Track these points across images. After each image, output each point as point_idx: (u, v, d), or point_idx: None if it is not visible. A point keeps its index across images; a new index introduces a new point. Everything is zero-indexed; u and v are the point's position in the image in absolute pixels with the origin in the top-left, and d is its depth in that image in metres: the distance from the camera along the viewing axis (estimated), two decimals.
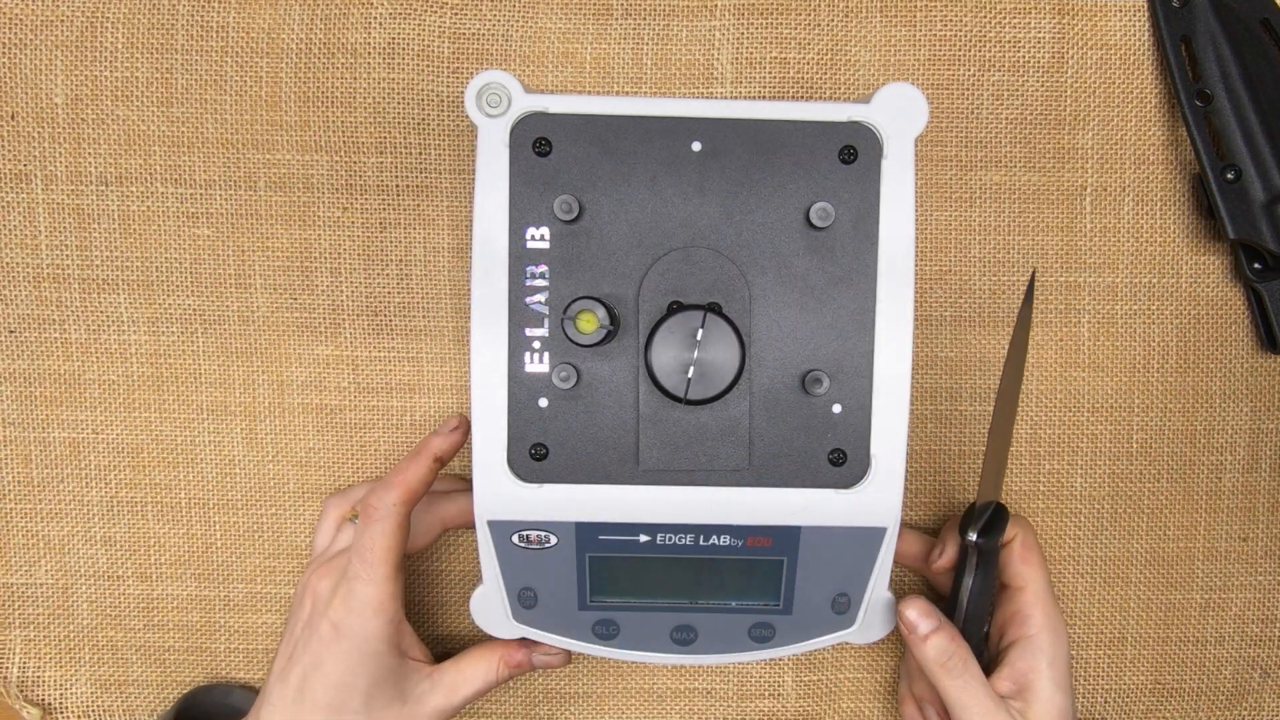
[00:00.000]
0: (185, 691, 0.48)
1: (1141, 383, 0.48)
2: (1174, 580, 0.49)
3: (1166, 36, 0.46)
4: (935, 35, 0.47)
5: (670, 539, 0.42)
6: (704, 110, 0.39)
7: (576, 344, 0.39)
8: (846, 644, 0.45)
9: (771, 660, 0.49)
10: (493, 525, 0.41)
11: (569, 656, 0.46)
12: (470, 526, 0.44)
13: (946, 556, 0.45)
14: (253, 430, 0.47)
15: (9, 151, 0.46)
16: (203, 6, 0.46)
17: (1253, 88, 0.46)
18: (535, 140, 0.39)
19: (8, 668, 0.48)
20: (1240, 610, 0.49)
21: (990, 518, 0.42)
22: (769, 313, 0.40)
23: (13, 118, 0.46)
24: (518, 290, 0.40)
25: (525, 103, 0.39)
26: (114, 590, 0.48)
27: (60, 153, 0.46)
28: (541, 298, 0.40)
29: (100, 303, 0.47)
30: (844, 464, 0.41)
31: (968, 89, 0.47)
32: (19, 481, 0.47)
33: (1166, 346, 0.48)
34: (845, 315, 0.40)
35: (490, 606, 0.43)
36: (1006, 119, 0.47)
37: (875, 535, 0.42)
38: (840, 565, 0.42)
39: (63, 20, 0.46)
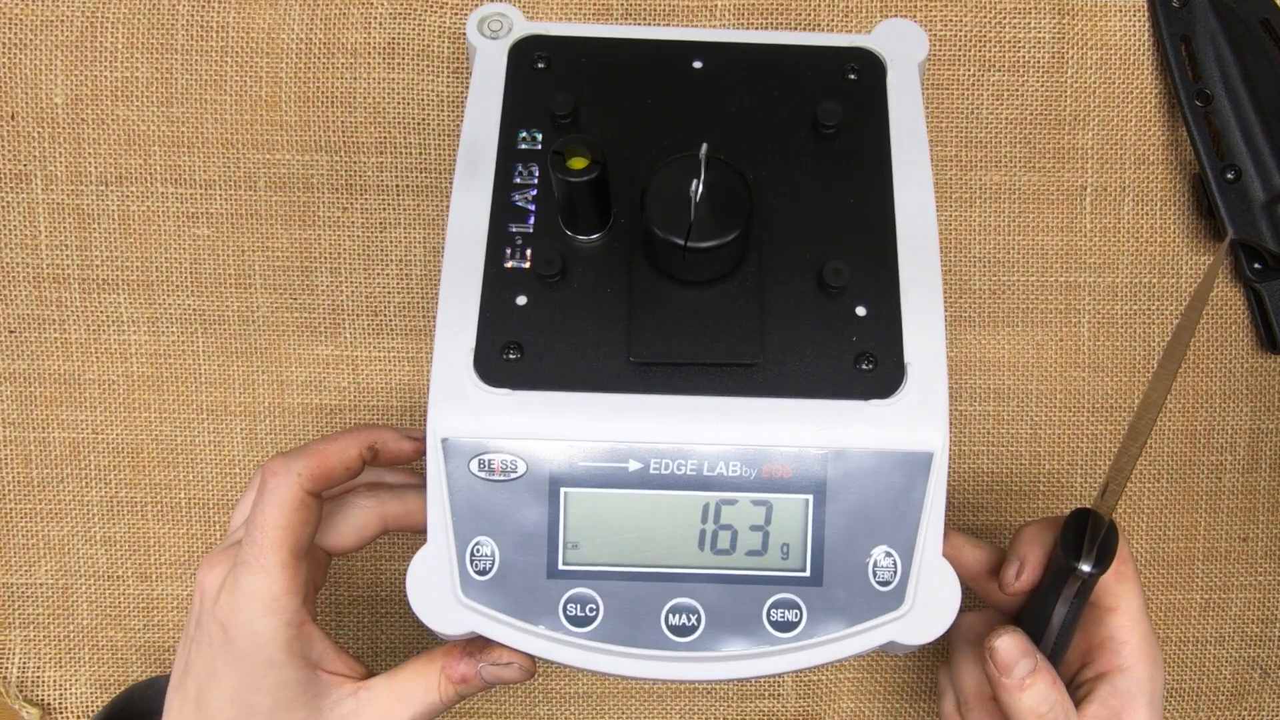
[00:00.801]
0: (125, 686, 0.47)
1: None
2: (1174, 580, 0.49)
3: (1166, 36, 0.46)
4: (935, 35, 0.47)
5: (667, 466, 0.33)
6: (705, 35, 0.38)
7: (567, 181, 0.33)
8: (896, 647, 0.35)
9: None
10: (449, 447, 0.33)
11: (532, 666, 0.35)
12: (419, 532, 0.35)
13: (1028, 577, 0.36)
14: (253, 430, 0.47)
15: (9, 151, 0.46)
16: (203, 6, 0.46)
17: (1253, 88, 0.46)
18: (535, 57, 0.38)
19: (8, 668, 0.48)
20: (1240, 610, 0.49)
21: (1103, 544, 0.34)
22: (779, 211, 0.36)
23: (13, 118, 0.46)
24: (504, 188, 0.36)
25: (526, 27, 0.38)
26: (114, 590, 0.48)
27: (60, 153, 0.46)
28: (530, 194, 0.36)
29: (100, 303, 0.47)
30: (875, 370, 0.34)
31: (968, 89, 0.47)
32: (19, 481, 0.47)
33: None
34: (861, 215, 0.36)
35: (432, 576, 0.34)
36: (1007, 119, 0.47)
37: (920, 464, 0.33)
38: (879, 507, 0.33)
39: (63, 20, 0.46)
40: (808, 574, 0.33)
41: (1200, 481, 0.49)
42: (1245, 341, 0.48)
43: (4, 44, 0.46)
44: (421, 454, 0.36)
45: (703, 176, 0.33)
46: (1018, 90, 0.47)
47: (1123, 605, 0.35)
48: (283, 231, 0.47)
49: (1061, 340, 0.48)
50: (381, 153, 0.46)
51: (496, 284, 0.35)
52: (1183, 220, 0.48)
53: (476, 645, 0.35)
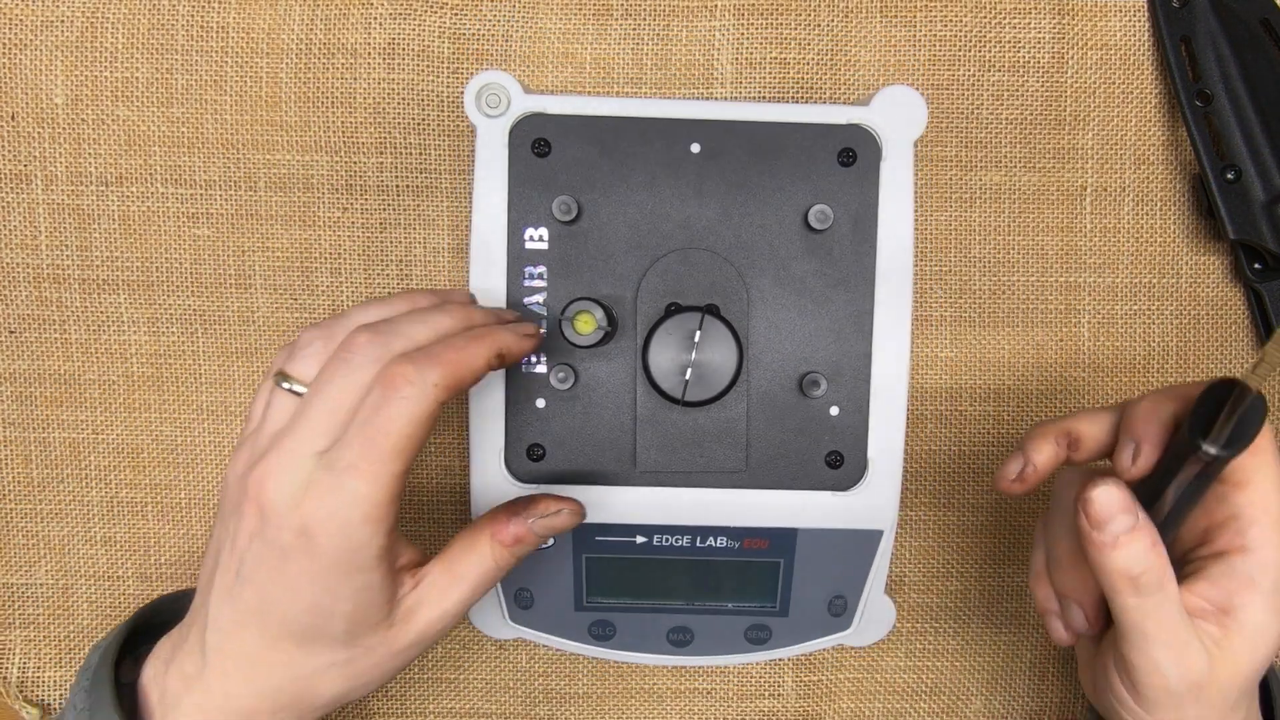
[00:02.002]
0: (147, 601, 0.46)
1: (1141, 383, 0.48)
2: None
3: (1166, 37, 0.46)
4: (935, 35, 0.47)
5: (667, 540, 0.42)
6: (703, 112, 0.39)
7: (574, 345, 0.39)
8: (844, 646, 0.45)
9: (770, 661, 0.49)
10: None
11: (581, 509, 0.36)
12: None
13: (1145, 460, 0.31)
14: None
15: (9, 151, 0.46)
16: (203, 6, 0.46)
17: (1253, 88, 0.46)
18: (534, 141, 0.39)
19: (8, 668, 0.48)
20: None
21: (1241, 420, 0.28)
22: (767, 315, 0.40)
23: (13, 118, 0.46)
24: (516, 291, 0.40)
25: (524, 103, 0.39)
26: (114, 590, 0.48)
27: (60, 153, 0.46)
28: (540, 298, 0.40)
29: (100, 303, 0.47)
30: (841, 466, 0.41)
31: (968, 89, 0.47)
32: (19, 481, 0.47)
33: (1166, 347, 0.48)
34: (843, 318, 0.40)
35: (486, 607, 0.43)
36: (1006, 119, 0.47)
37: (872, 538, 0.42)
38: (837, 568, 0.42)
39: (63, 20, 0.46)
40: (777, 608, 0.43)
41: None
42: (1245, 341, 0.48)
43: (4, 44, 0.46)
44: (539, 344, 0.36)
45: (696, 348, 0.39)
46: (1018, 90, 0.47)
47: (1255, 480, 0.31)
48: (283, 231, 0.47)
49: (1061, 340, 0.48)
50: (381, 153, 0.46)
51: (517, 388, 0.40)
52: (1183, 220, 0.48)
53: (521, 504, 0.35)
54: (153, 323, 0.47)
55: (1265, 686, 0.36)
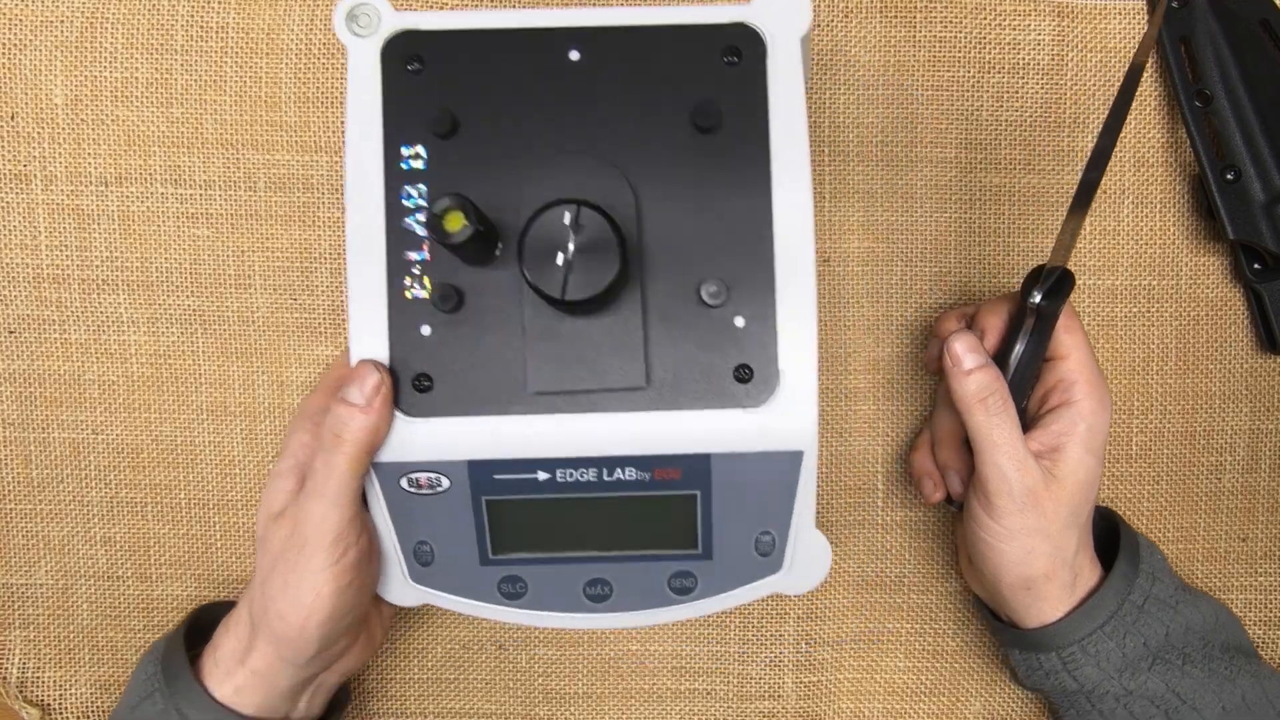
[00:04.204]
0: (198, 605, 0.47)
1: (1141, 385, 0.48)
2: None
3: (1166, 37, 0.46)
4: (935, 36, 0.47)
5: (571, 475, 0.38)
6: (580, 19, 0.38)
7: (448, 246, 0.35)
8: (779, 595, 0.42)
9: (770, 661, 0.49)
10: (379, 468, 0.38)
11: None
12: None
13: (989, 341, 0.42)
14: (253, 430, 0.47)
15: (9, 151, 0.46)
16: (203, 6, 0.46)
17: (1252, 88, 0.46)
18: (408, 58, 0.38)
19: (8, 668, 0.48)
20: (1240, 610, 0.49)
21: (1055, 283, 0.39)
22: (659, 221, 0.38)
23: (13, 118, 0.46)
24: (395, 212, 0.37)
25: (396, 21, 0.38)
26: (114, 590, 0.48)
27: (60, 153, 0.46)
28: (421, 217, 0.38)
29: (100, 303, 0.47)
30: (750, 380, 0.38)
31: (968, 91, 0.47)
32: (19, 481, 0.47)
33: (1166, 348, 0.48)
34: (740, 222, 0.37)
35: (386, 570, 0.40)
36: (1006, 121, 0.47)
37: (792, 461, 0.38)
38: (759, 498, 0.39)
39: (63, 20, 0.46)
40: (700, 551, 0.40)
41: (1200, 481, 0.49)
42: (1245, 341, 0.48)
43: (4, 44, 0.46)
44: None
45: (573, 237, 0.35)
46: (1017, 92, 0.47)
47: (1073, 354, 0.41)
48: (283, 231, 0.47)
49: None
50: None
51: (401, 316, 0.37)
52: (1182, 222, 0.48)
53: None
54: (153, 323, 0.47)
55: (1117, 537, 0.44)
